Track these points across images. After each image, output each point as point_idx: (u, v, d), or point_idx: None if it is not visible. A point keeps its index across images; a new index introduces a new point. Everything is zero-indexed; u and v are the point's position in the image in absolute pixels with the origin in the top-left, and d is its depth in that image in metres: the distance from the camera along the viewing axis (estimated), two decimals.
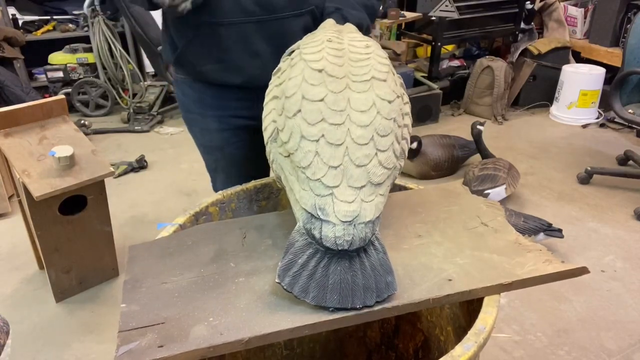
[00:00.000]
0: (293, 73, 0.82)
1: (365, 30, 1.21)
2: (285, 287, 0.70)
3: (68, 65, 3.89)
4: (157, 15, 3.45)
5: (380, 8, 1.32)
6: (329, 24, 0.99)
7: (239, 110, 1.26)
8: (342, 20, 1.11)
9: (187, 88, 1.29)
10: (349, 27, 0.98)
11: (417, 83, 3.62)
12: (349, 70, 0.80)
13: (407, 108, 0.88)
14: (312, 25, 1.18)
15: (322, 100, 0.76)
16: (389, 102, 0.78)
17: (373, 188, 0.73)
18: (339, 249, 0.69)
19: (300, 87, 0.78)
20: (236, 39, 1.14)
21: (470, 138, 2.96)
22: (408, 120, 0.87)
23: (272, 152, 0.84)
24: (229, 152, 1.33)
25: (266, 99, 0.90)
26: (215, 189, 1.40)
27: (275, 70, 0.92)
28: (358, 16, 1.18)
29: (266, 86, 0.92)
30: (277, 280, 0.70)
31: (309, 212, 0.71)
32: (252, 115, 1.23)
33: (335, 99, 0.77)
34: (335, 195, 0.71)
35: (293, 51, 0.90)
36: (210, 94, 1.26)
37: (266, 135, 0.86)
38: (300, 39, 0.94)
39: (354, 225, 0.69)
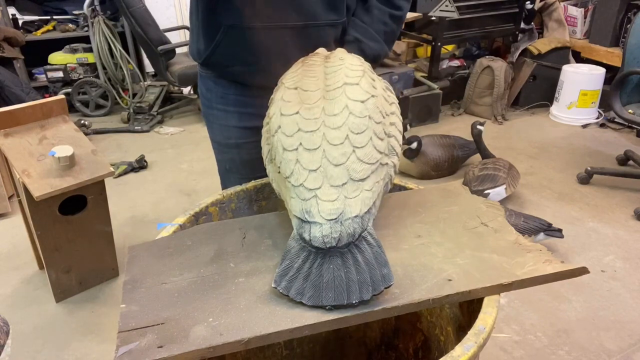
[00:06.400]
0: (274, 98, 0.90)
1: (383, 56, 1.24)
2: (281, 291, 0.72)
3: (68, 65, 3.89)
4: (157, 16, 3.45)
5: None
6: (322, 50, 1.00)
7: (262, 109, 1.26)
8: (359, 52, 1.12)
9: (211, 83, 1.30)
10: (340, 51, 0.99)
11: (417, 83, 3.62)
12: (323, 83, 0.85)
13: (394, 107, 0.90)
14: (340, 37, 1.20)
15: (297, 112, 0.81)
16: (362, 101, 0.81)
17: (356, 184, 0.75)
18: (327, 246, 0.70)
19: (278, 106, 0.85)
20: (269, 43, 1.14)
21: (470, 138, 2.96)
22: (395, 118, 0.89)
23: (270, 172, 0.90)
24: (246, 151, 1.32)
25: (263, 125, 0.95)
26: None
27: (269, 100, 0.96)
28: (376, 48, 1.19)
29: None
30: (273, 285, 0.72)
31: (299, 218, 0.74)
32: None
33: (309, 108, 0.81)
34: (318, 196, 0.74)
35: None
36: (234, 91, 1.27)
37: (264, 157, 0.92)
38: (332, 48, 1.00)
39: (341, 222, 0.71)
